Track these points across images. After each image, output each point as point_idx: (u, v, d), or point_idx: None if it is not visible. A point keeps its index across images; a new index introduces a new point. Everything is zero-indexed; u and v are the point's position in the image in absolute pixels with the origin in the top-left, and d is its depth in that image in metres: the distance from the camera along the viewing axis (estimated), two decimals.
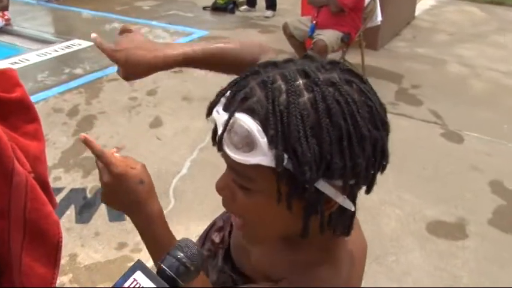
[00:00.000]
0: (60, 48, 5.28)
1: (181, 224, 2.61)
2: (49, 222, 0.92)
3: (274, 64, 0.69)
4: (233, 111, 0.64)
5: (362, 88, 0.67)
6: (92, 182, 2.97)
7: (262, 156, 0.62)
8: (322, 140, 0.61)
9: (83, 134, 0.81)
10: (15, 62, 4.88)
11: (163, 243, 0.82)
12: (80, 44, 5.34)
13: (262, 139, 0.61)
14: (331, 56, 4.38)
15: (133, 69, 0.95)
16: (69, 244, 2.46)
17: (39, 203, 0.89)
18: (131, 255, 2.41)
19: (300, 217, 0.68)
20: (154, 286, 0.63)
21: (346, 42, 4.19)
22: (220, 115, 0.66)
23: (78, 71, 4.73)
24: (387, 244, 2.56)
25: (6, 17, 6.03)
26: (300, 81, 0.64)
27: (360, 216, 2.59)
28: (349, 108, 0.63)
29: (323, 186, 0.64)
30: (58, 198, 2.79)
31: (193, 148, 3.36)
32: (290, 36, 4.33)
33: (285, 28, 4.32)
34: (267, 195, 0.66)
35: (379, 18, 4.43)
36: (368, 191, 0.72)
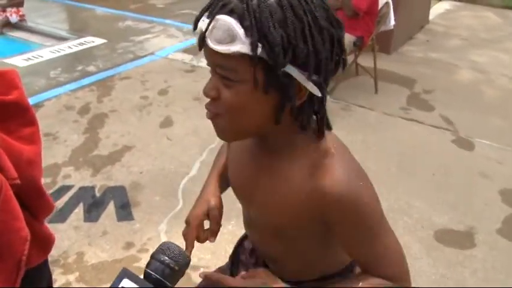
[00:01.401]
0: (73, 45, 5.32)
1: None
2: (14, 237, 0.88)
3: None
4: (215, 14, 0.77)
5: None
6: (101, 181, 2.99)
7: (241, 45, 0.75)
8: (287, 29, 0.75)
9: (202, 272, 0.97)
10: (29, 58, 4.93)
11: None
12: (93, 42, 5.38)
13: (240, 30, 0.75)
14: None
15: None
16: (77, 243, 2.49)
17: (9, 216, 0.87)
18: (138, 255, 2.42)
19: (275, 108, 0.82)
20: None
21: (358, 46, 4.18)
22: (204, 21, 0.79)
23: (91, 68, 4.77)
24: None
25: (20, 13, 6.10)
26: None
27: None
28: (308, 5, 0.78)
29: (292, 70, 0.77)
30: (67, 196, 2.82)
31: (203, 149, 3.37)
32: None
33: None
34: (246, 85, 0.79)
35: (392, 22, 4.40)
36: (328, 128, 0.91)
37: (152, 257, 0.72)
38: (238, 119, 0.83)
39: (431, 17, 6.79)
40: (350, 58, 4.36)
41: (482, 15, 7.29)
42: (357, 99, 4.22)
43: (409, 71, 4.97)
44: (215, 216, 1.08)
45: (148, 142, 3.46)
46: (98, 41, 5.39)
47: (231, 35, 0.75)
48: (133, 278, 0.67)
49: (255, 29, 0.74)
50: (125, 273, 0.67)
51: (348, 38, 4.07)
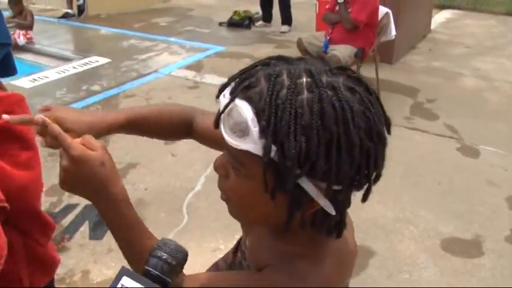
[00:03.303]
0: (78, 65, 5.39)
1: (194, 241, 2.62)
2: None
3: (286, 59, 0.72)
4: (234, 97, 0.68)
5: (364, 98, 0.68)
6: None
7: (252, 144, 0.65)
8: (310, 140, 0.63)
9: (40, 116, 0.77)
10: (35, 79, 5.00)
11: (130, 224, 0.79)
12: (97, 61, 5.44)
13: (254, 128, 0.64)
14: None
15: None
16: (82, 260, 2.49)
17: None
18: None
19: (284, 210, 0.70)
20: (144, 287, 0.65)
21: (360, 57, 4.19)
22: (225, 98, 0.70)
23: (96, 87, 4.82)
24: (401, 261, 2.53)
25: (28, 36, 6.21)
26: (304, 80, 0.66)
27: (373, 233, 2.60)
28: (343, 114, 0.64)
29: (306, 184, 0.67)
30: (72, 215, 2.83)
31: (207, 164, 3.37)
32: (304, 51, 4.35)
33: (299, 43, 4.34)
34: (254, 182, 0.69)
35: (393, 32, 4.42)
36: (364, 200, 0.74)
37: (150, 254, 0.72)
38: (244, 210, 0.77)
39: (432, 26, 6.81)
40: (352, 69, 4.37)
41: (485, 23, 7.30)
42: None
43: (411, 80, 4.97)
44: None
45: (152, 159, 3.48)
46: (102, 60, 5.46)
47: (244, 131, 0.65)
48: (132, 276, 0.67)
49: (271, 131, 0.63)
50: (124, 272, 0.67)
51: (349, 49, 4.09)
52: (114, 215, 0.79)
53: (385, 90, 4.58)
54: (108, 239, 2.67)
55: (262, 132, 0.64)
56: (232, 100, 0.67)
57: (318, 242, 0.78)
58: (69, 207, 2.90)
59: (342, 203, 0.72)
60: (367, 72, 4.51)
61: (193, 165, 3.39)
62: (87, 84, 4.87)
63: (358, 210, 3.20)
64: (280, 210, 0.71)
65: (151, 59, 5.61)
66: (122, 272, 0.67)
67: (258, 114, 0.65)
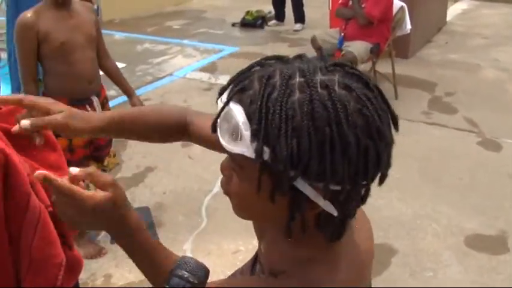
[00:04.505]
0: None
1: (213, 243, 2.61)
2: (49, 264, 0.90)
3: (281, 59, 0.71)
4: (228, 101, 0.68)
5: (361, 95, 0.65)
6: None
7: (245, 148, 0.65)
8: (301, 141, 0.62)
9: (40, 172, 0.73)
10: None
11: (148, 249, 0.79)
12: None
13: (245, 131, 0.64)
14: (362, 67, 4.33)
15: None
16: (104, 265, 2.51)
17: (45, 242, 0.88)
18: None
19: (285, 212, 0.70)
20: None
21: (375, 53, 4.15)
22: (221, 101, 0.70)
23: (112, 92, 4.80)
24: (423, 259, 2.49)
25: None
26: (296, 80, 0.65)
27: (393, 231, 2.56)
28: (336, 113, 0.62)
29: (302, 185, 0.65)
30: None
31: None
32: (319, 49, 4.31)
33: (314, 41, 4.31)
34: (252, 185, 0.68)
35: (409, 26, 4.36)
36: (363, 201, 0.73)
37: (171, 272, 0.72)
38: (246, 211, 0.77)
39: (448, 18, 6.71)
40: (368, 65, 4.33)
41: (503, 12, 7.16)
42: None
43: (428, 74, 4.90)
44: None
45: (170, 162, 3.48)
46: (118, 65, 5.48)
47: (237, 134, 0.65)
48: None
49: (262, 134, 0.63)
50: None
51: (364, 46, 4.04)
52: (131, 247, 0.80)
53: (402, 85, 4.52)
54: None
55: (254, 135, 0.64)
56: (227, 104, 0.68)
57: (330, 244, 0.76)
58: None
59: (345, 204, 0.69)
60: (382, 67, 4.46)
61: (210, 167, 3.38)
62: None
63: (377, 208, 3.17)
64: (281, 212, 0.71)
65: (166, 62, 5.63)
66: None
67: (249, 117, 0.65)
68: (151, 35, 6.77)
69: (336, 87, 0.64)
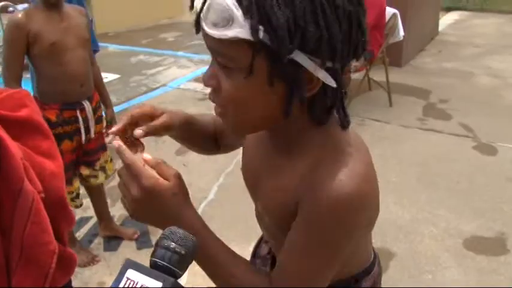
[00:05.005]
0: None
1: None
2: (42, 251, 0.88)
3: None
4: None
5: None
6: (119, 211, 2.97)
7: (239, 29, 0.64)
8: (295, 9, 0.63)
9: (117, 142, 0.77)
10: None
11: (216, 255, 0.78)
12: (106, 77, 5.44)
13: (237, 11, 0.63)
14: (355, 75, 4.34)
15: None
16: (98, 272, 2.46)
17: (38, 228, 0.87)
18: None
19: (283, 100, 0.71)
20: (152, 280, 0.60)
21: (368, 60, 4.16)
22: (199, 0, 0.69)
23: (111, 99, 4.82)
24: (422, 262, 2.45)
25: None
26: None
27: (391, 234, 2.53)
28: None
29: (301, 58, 0.66)
30: (87, 227, 2.81)
31: (219, 173, 3.35)
32: None
33: None
34: (248, 79, 0.68)
35: (401, 33, 4.38)
36: (343, 125, 0.77)
37: (156, 244, 0.66)
38: (242, 113, 0.74)
39: (440, 28, 6.77)
40: (362, 73, 4.33)
41: (494, 22, 7.24)
42: (372, 114, 4.17)
43: (422, 82, 4.92)
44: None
45: None
46: (111, 76, 5.48)
47: (228, 17, 0.64)
48: (139, 268, 0.61)
49: (255, 8, 0.63)
50: (129, 264, 0.62)
51: None
52: None
53: (396, 93, 4.53)
54: (123, 250, 2.63)
55: (247, 11, 0.63)
56: None
57: (333, 139, 0.77)
58: (83, 220, 2.88)
59: (339, 79, 0.71)
60: (377, 75, 4.47)
61: (205, 175, 3.36)
62: None
63: None
64: (280, 104, 0.71)
65: (160, 74, 5.62)
66: (127, 265, 0.62)
67: None
68: (145, 47, 6.79)
69: None
